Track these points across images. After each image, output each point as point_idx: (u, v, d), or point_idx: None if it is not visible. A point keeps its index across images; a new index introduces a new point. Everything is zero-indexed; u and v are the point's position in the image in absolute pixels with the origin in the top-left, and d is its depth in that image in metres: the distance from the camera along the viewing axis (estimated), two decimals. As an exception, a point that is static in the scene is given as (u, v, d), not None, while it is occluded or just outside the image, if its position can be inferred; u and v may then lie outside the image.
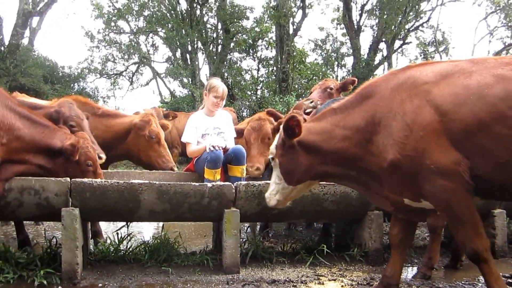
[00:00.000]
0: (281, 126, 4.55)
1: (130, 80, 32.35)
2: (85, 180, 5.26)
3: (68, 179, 5.19)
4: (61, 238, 5.20)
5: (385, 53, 27.91)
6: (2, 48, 19.64)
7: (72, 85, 25.31)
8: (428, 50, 27.24)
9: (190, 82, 24.91)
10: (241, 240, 6.21)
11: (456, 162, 3.80)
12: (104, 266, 5.77)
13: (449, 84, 3.97)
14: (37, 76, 19.32)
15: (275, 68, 26.43)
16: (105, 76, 31.14)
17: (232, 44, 26.87)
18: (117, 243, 6.15)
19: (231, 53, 28.21)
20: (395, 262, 4.72)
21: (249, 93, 28.92)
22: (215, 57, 25.98)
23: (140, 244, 6.19)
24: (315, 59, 30.85)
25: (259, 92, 29.27)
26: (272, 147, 4.87)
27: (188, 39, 25.23)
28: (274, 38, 27.04)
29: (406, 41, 28.62)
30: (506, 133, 3.68)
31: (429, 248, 5.69)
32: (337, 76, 29.48)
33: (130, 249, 6.08)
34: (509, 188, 3.90)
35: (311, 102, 7.85)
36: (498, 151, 3.72)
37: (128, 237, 6.25)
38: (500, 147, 3.71)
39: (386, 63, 27.49)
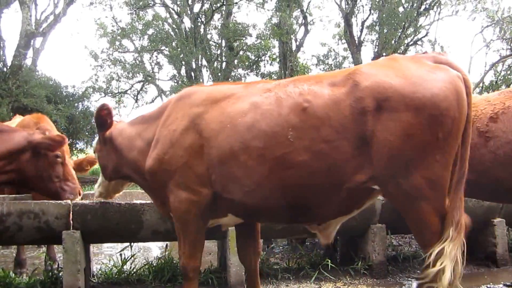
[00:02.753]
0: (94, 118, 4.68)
1: (135, 98, 32.41)
2: (86, 202, 5.23)
3: (69, 201, 5.16)
4: (62, 261, 5.15)
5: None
6: (5, 69, 19.70)
7: (76, 104, 25.29)
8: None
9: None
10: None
11: (202, 185, 3.90)
12: (108, 288, 5.71)
13: (216, 109, 3.99)
14: (40, 97, 19.29)
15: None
16: (110, 94, 31.20)
17: (236, 61, 26.96)
18: (120, 264, 6.08)
19: (235, 70, 28.30)
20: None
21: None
22: (219, 74, 26.09)
23: (144, 265, 6.12)
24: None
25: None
26: (95, 142, 5.01)
27: (193, 57, 25.33)
28: (277, 53, 27.12)
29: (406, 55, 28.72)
30: (251, 163, 3.67)
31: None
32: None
33: (134, 270, 6.01)
34: (260, 212, 3.98)
35: None
36: (245, 180, 3.73)
37: (132, 258, 6.18)
38: (247, 176, 3.72)
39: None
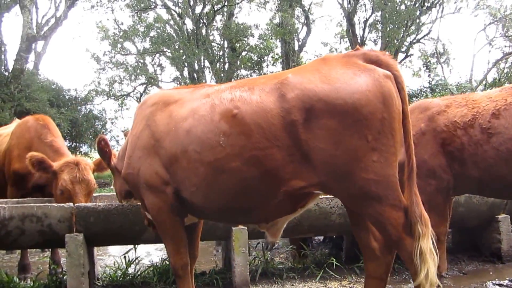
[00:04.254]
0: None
1: (138, 100, 32.38)
2: (89, 204, 5.20)
3: (72, 204, 5.14)
4: (66, 264, 5.13)
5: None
6: (6, 74, 19.71)
7: (79, 108, 25.31)
8: (430, 62, 27.26)
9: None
10: (251, 257, 6.16)
11: (164, 183, 3.96)
12: (113, 292, 5.70)
13: (165, 112, 4.14)
14: (43, 100, 19.32)
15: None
16: (113, 97, 31.19)
17: (238, 62, 26.94)
18: (125, 267, 6.07)
19: (238, 70, 28.27)
20: None
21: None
22: (222, 75, 26.06)
23: (148, 267, 6.11)
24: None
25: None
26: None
27: (195, 58, 25.33)
28: (279, 53, 27.10)
29: (408, 54, 28.62)
30: (190, 167, 3.77)
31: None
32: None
33: (138, 273, 6.01)
34: (204, 212, 4.09)
35: None
36: (188, 181, 3.84)
37: (136, 260, 6.18)
38: (188, 178, 3.82)
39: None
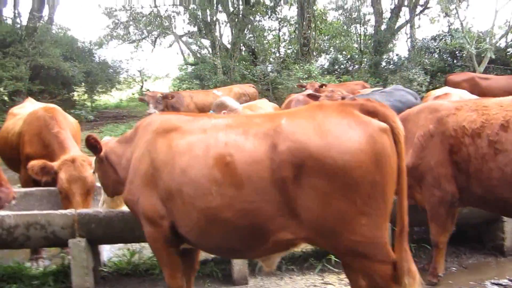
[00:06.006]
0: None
1: (153, 43, 32.05)
2: (90, 211, 5.36)
3: (73, 211, 5.31)
4: (71, 264, 5.36)
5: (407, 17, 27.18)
6: (20, 31, 19.76)
7: (92, 58, 25.27)
8: (450, 8, 26.28)
9: (211, 51, 24.82)
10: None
11: (160, 217, 3.97)
12: (117, 279, 5.97)
13: (165, 141, 4.01)
14: (56, 56, 19.41)
15: (296, 28, 25.99)
16: (128, 41, 30.77)
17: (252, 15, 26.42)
18: (129, 257, 6.33)
19: (253, 18, 27.68)
20: None
21: (273, 50, 28.91)
22: (236, 20, 25.71)
23: (151, 256, 6.27)
24: (337, 18, 30.19)
25: (282, 50, 29.28)
26: (93, 161, 5.03)
27: (212, 11, 24.99)
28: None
29: (427, 6, 27.59)
30: (185, 208, 3.76)
31: (433, 260, 5.67)
32: (360, 34, 28.99)
33: (142, 261, 6.23)
34: (199, 247, 4.23)
35: None
36: (182, 221, 3.86)
37: (140, 250, 6.43)
38: (183, 219, 3.84)
39: (408, 26, 26.88)
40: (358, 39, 28.76)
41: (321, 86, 12.10)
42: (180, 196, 3.76)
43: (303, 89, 13.65)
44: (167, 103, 13.24)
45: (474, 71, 19.02)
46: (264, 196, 3.45)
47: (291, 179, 3.36)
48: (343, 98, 8.84)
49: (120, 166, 4.53)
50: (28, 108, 8.12)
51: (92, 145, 4.67)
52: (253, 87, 16.16)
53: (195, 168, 3.69)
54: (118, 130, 17.93)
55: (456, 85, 13.23)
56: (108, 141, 4.96)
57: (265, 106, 10.03)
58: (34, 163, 5.80)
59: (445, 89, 8.28)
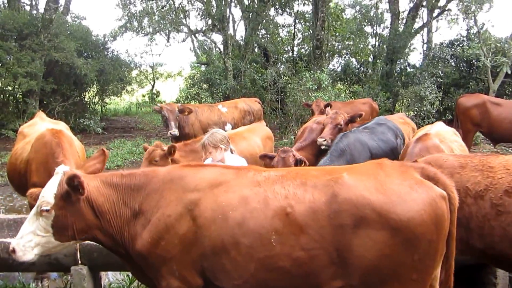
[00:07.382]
0: (64, 180, 4.09)
1: (167, 37, 32.03)
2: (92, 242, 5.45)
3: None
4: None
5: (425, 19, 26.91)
6: (36, 22, 19.77)
7: (106, 53, 25.28)
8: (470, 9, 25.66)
9: (223, 51, 24.81)
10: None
11: (194, 274, 3.96)
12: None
13: (210, 197, 3.95)
14: (70, 50, 19.33)
15: (311, 26, 25.83)
16: (142, 34, 30.64)
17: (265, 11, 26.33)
18: (129, 283, 6.49)
19: (267, 12, 27.54)
20: None
21: (286, 49, 28.93)
22: (250, 16, 25.69)
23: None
24: (354, 16, 30.06)
25: (295, 49, 29.22)
26: (49, 196, 4.15)
27: (226, 7, 25.00)
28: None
29: (446, 8, 27.22)
30: (240, 259, 3.76)
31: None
32: (376, 33, 28.95)
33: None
34: None
35: (324, 140, 8.48)
36: (235, 273, 3.82)
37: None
38: (236, 270, 3.81)
39: (426, 29, 26.68)
40: (374, 39, 28.71)
41: (326, 106, 12.15)
42: (237, 249, 3.76)
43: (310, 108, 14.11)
44: (181, 119, 12.68)
45: (488, 86, 18.89)
46: (321, 244, 3.58)
47: (350, 227, 3.51)
48: (347, 122, 9.12)
49: (116, 213, 4.19)
50: (37, 126, 8.34)
51: (74, 187, 4.03)
52: (259, 102, 16.06)
53: (253, 219, 3.75)
54: (124, 147, 17.88)
55: (466, 110, 13.31)
56: (88, 177, 4.30)
57: (253, 136, 9.64)
58: (33, 191, 5.85)
59: (437, 126, 8.01)
